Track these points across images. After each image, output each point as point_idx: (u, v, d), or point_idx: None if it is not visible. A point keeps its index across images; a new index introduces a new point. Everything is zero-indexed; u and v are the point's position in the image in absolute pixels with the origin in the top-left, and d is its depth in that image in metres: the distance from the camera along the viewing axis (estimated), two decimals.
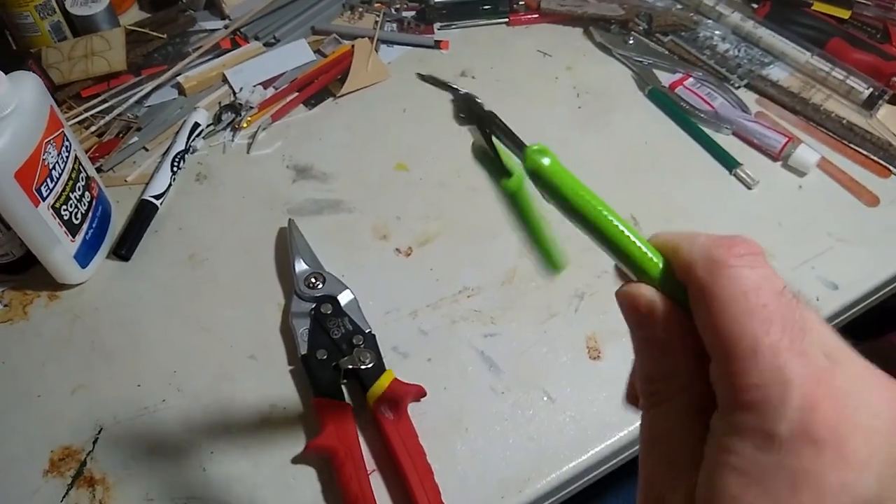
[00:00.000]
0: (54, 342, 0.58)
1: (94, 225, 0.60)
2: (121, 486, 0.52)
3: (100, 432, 0.54)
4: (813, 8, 0.82)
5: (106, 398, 0.56)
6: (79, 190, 0.57)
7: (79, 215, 0.58)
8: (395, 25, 0.81)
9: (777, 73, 0.77)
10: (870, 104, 0.74)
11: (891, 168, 0.71)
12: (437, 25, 0.81)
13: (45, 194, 0.53)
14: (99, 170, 0.66)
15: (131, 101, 0.70)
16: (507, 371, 0.57)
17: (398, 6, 0.81)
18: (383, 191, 0.68)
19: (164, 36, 0.75)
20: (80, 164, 0.58)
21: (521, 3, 0.82)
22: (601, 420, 0.54)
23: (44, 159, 0.52)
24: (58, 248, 0.56)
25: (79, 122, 0.68)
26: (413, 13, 0.81)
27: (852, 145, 0.72)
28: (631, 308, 0.25)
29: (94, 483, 0.52)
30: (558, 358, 0.58)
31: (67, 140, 0.56)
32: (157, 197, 0.64)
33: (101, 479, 0.52)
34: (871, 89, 0.74)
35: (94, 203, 0.60)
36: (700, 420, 0.23)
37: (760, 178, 0.69)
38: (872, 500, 0.20)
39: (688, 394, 0.24)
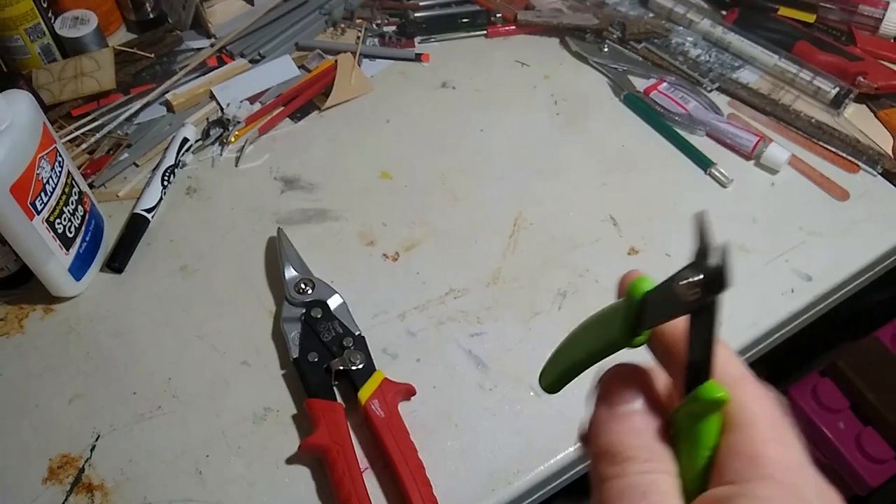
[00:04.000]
0: (50, 354, 0.60)
1: (87, 238, 0.62)
2: (119, 491, 0.53)
3: (97, 439, 0.55)
4: (779, 13, 0.85)
5: (102, 406, 0.57)
6: (72, 204, 0.59)
7: (72, 229, 0.59)
8: (376, 40, 0.83)
9: (747, 76, 0.80)
10: (837, 103, 0.77)
11: (859, 163, 0.73)
12: (417, 39, 0.83)
13: (39, 208, 0.54)
14: (91, 186, 0.68)
15: (121, 118, 0.71)
16: (494, 368, 0.59)
17: (379, 21, 0.84)
18: (369, 199, 0.70)
19: (152, 55, 0.77)
20: (72, 179, 0.59)
21: (498, 15, 0.84)
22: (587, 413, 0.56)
23: (38, 174, 0.54)
24: (52, 261, 0.58)
25: (70, 141, 0.70)
26: (394, 28, 0.84)
27: (821, 143, 0.75)
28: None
29: (93, 489, 0.53)
30: (543, 354, 0.59)
31: (60, 155, 0.57)
32: (149, 210, 0.66)
33: (99, 485, 0.53)
34: (837, 89, 0.77)
35: (87, 217, 0.62)
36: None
37: (734, 177, 0.71)
38: None
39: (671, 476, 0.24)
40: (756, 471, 0.22)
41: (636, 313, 0.24)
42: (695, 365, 0.23)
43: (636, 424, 0.25)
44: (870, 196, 0.71)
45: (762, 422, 0.23)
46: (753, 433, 0.23)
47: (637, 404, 0.25)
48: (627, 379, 0.26)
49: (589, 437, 0.26)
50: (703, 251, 0.22)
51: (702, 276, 0.21)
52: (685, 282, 0.21)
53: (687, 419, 0.24)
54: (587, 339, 0.27)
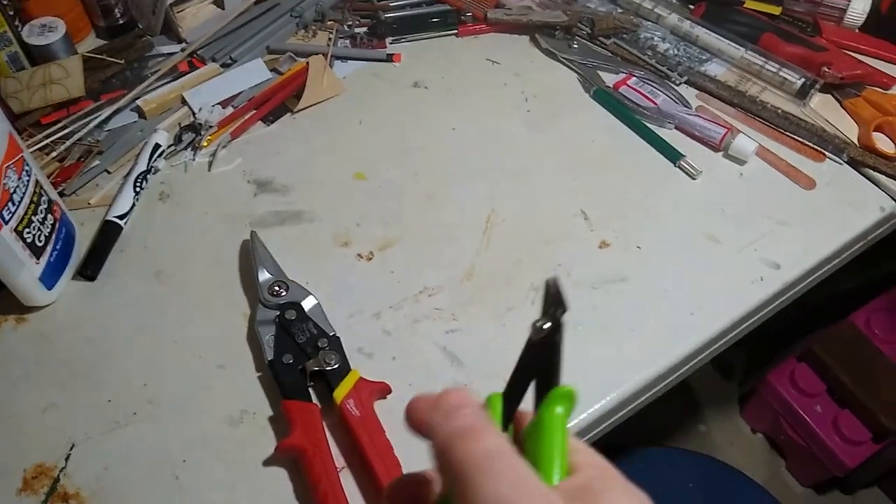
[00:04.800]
0: (23, 363, 0.59)
1: (58, 247, 0.61)
2: (95, 500, 0.53)
3: (72, 448, 0.55)
4: (745, 6, 0.86)
5: (77, 415, 0.57)
6: (41, 213, 0.59)
7: (42, 237, 0.59)
8: (348, 41, 0.83)
9: (714, 68, 0.81)
10: (802, 93, 0.78)
11: (825, 152, 0.74)
12: (388, 40, 0.83)
13: (6, 218, 0.54)
14: (62, 194, 0.67)
15: (91, 125, 0.71)
16: (470, 365, 0.60)
17: (350, 23, 0.84)
18: (343, 199, 0.70)
19: (122, 61, 0.76)
20: (41, 187, 0.59)
21: (468, 14, 0.85)
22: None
23: (4, 184, 0.54)
24: (23, 271, 0.58)
25: (40, 149, 0.70)
26: (365, 29, 0.84)
27: (788, 133, 0.76)
28: None
29: (69, 498, 0.53)
30: (518, 349, 0.60)
31: (28, 164, 0.57)
32: (121, 217, 0.66)
33: (74, 493, 0.53)
34: (803, 80, 0.78)
35: (57, 225, 0.61)
36: None
37: (703, 169, 0.72)
38: None
39: None
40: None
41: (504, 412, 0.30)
42: (543, 383, 0.29)
43: (474, 415, 0.26)
44: (836, 184, 0.72)
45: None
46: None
47: (470, 408, 0.26)
48: (457, 393, 0.27)
49: (430, 445, 0.26)
50: (548, 307, 0.29)
51: (548, 321, 0.28)
52: (538, 324, 0.28)
53: (539, 424, 0.28)
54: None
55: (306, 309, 0.60)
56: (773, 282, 0.66)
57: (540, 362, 0.29)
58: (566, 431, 0.27)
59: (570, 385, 0.28)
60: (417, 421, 0.28)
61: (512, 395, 0.30)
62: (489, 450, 0.24)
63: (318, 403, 0.57)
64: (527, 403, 0.30)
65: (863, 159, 0.74)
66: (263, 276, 0.62)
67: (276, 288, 0.61)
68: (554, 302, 0.29)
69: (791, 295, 0.69)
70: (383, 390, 0.58)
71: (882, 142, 0.75)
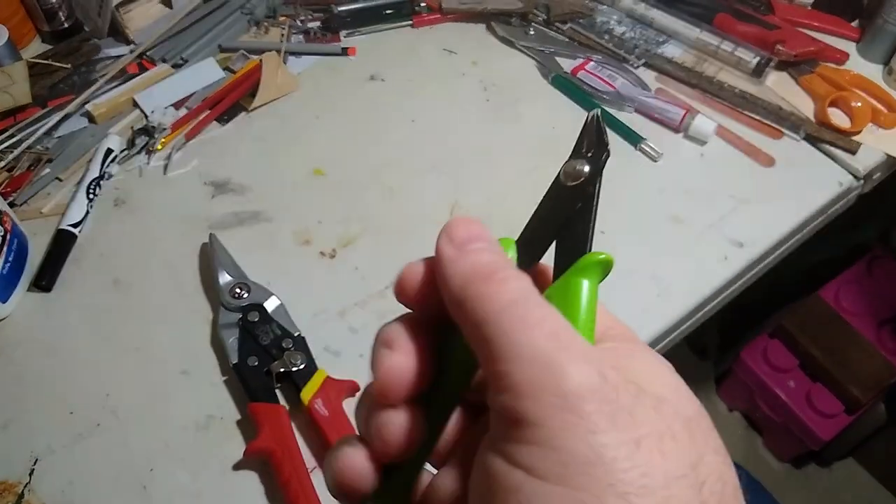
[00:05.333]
0: None
1: (10, 258, 0.60)
2: None
3: (35, 463, 0.54)
4: None
5: (39, 429, 0.56)
6: None
7: None
8: (301, 37, 0.82)
9: (672, 50, 0.81)
10: (758, 72, 0.78)
11: (782, 130, 0.75)
12: (343, 33, 0.82)
13: None
14: (12, 204, 0.66)
15: (39, 132, 0.69)
16: None
17: (303, 18, 0.83)
18: (303, 197, 0.69)
19: (69, 66, 0.74)
20: None
21: (422, 4, 0.84)
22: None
23: None
24: None
25: None
26: (318, 23, 0.83)
27: (746, 112, 0.76)
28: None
29: None
30: None
31: None
32: (75, 225, 0.64)
33: None
34: (758, 58, 0.78)
35: (7, 237, 0.60)
36: None
37: (664, 151, 0.72)
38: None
39: None
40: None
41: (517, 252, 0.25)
42: (571, 244, 0.24)
43: (493, 251, 0.23)
44: (794, 160, 0.73)
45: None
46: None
47: (484, 243, 0.23)
48: (474, 224, 0.23)
49: (440, 279, 0.23)
50: (584, 146, 0.25)
51: (585, 163, 0.24)
52: (573, 165, 0.24)
53: (566, 292, 0.24)
54: None
55: (269, 310, 0.59)
56: (738, 260, 0.66)
57: (567, 216, 0.24)
58: (596, 304, 0.23)
59: (604, 252, 0.23)
60: (415, 280, 0.24)
61: (529, 246, 0.25)
62: (516, 295, 0.21)
63: (285, 405, 0.56)
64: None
65: (819, 135, 0.74)
66: (224, 278, 0.60)
67: (238, 290, 0.60)
68: (594, 141, 0.24)
69: (756, 272, 0.69)
70: (352, 388, 0.57)
71: (837, 117, 0.76)
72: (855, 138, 0.74)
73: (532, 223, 0.25)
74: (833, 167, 0.73)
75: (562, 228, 0.24)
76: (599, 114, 0.25)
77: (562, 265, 0.24)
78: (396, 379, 0.23)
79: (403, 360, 0.23)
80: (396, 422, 0.23)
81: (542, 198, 0.25)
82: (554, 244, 0.25)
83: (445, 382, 0.24)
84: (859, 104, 0.76)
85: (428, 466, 0.25)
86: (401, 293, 0.26)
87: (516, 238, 0.25)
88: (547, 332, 0.20)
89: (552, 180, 0.25)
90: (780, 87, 0.79)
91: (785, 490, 1.22)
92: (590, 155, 0.24)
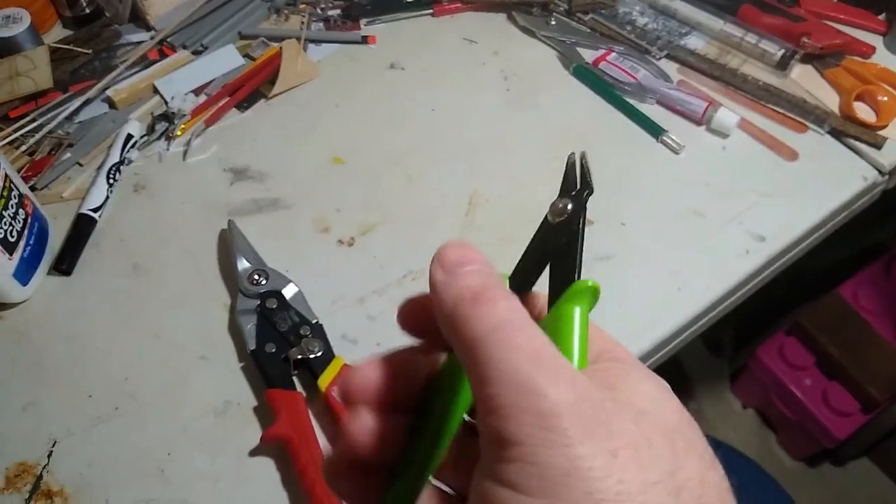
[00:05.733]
0: (0, 362, 0.58)
1: (31, 242, 0.60)
2: (79, 496, 0.52)
3: (54, 445, 0.54)
4: None
5: (58, 412, 0.56)
6: (12, 208, 0.57)
7: (14, 233, 0.58)
8: (321, 24, 0.82)
9: (694, 42, 0.80)
10: (783, 65, 0.77)
11: (806, 123, 0.74)
12: (363, 21, 0.82)
13: None
14: (33, 188, 0.66)
15: (60, 117, 0.70)
16: None
17: (323, 6, 0.82)
18: (322, 185, 0.69)
19: (90, 51, 0.75)
20: (10, 182, 0.58)
21: None
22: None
23: None
24: None
25: (9, 143, 0.68)
26: (338, 11, 0.82)
27: (770, 105, 0.75)
28: None
29: (52, 495, 0.52)
30: None
31: None
32: (95, 210, 0.64)
33: (58, 490, 0.53)
34: (782, 51, 0.77)
35: (29, 220, 0.60)
36: None
37: (686, 143, 0.72)
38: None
39: None
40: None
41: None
42: (561, 275, 0.26)
43: (483, 275, 0.23)
44: (818, 155, 0.72)
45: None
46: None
47: (476, 266, 0.23)
48: (466, 248, 0.24)
49: (433, 304, 0.23)
50: (569, 185, 0.27)
51: (569, 202, 0.26)
52: (558, 204, 0.26)
53: (558, 320, 0.25)
54: None
55: (287, 297, 0.59)
56: (759, 254, 0.65)
57: (556, 249, 0.26)
58: (588, 328, 0.24)
59: (592, 280, 0.25)
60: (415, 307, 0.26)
61: (521, 279, 0.27)
62: (502, 317, 0.21)
63: (302, 392, 0.56)
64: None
65: (844, 129, 0.73)
66: (242, 265, 0.60)
67: (256, 277, 0.60)
68: (579, 180, 0.26)
69: (777, 267, 0.68)
70: None
71: (863, 111, 0.75)
72: (881, 133, 0.73)
73: (524, 259, 0.27)
74: (858, 162, 0.72)
75: (552, 262, 0.26)
76: (583, 154, 0.27)
77: (554, 296, 0.26)
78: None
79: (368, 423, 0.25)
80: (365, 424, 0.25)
81: (531, 237, 0.27)
82: (548, 279, 0.26)
83: (447, 407, 0.25)
84: (885, 98, 0.75)
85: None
86: (403, 323, 0.28)
87: (510, 273, 0.27)
88: (528, 354, 0.21)
89: (540, 223, 0.27)
90: (805, 81, 0.78)
91: (799, 488, 1.21)
92: (573, 193, 0.26)
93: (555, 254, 0.26)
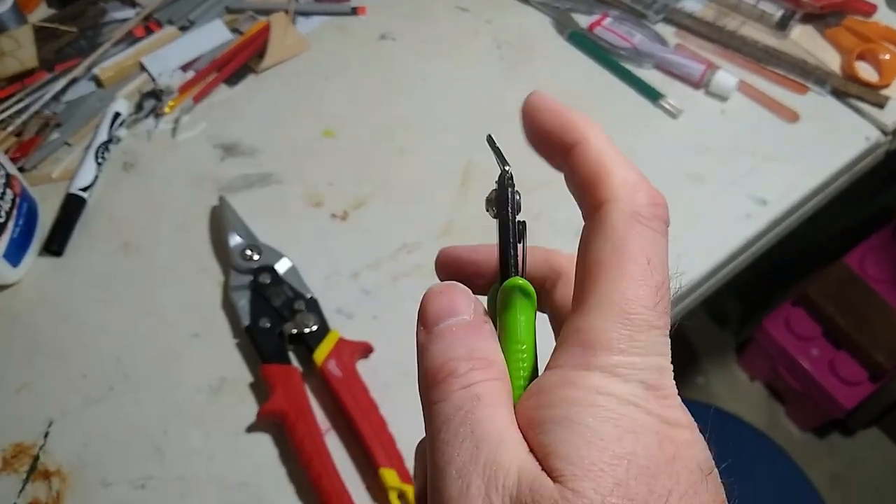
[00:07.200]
0: None
1: (20, 223, 0.59)
2: (77, 475, 0.52)
3: (50, 426, 0.54)
4: None
5: (53, 392, 0.56)
6: None
7: (2, 214, 0.57)
8: None
9: (692, 4, 0.79)
10: (782, 25, 0.75)
11: (807, 84, 0.72)
12: None
13: None
14: (21, 169, 0.65)
15: (47, 97, 0.69)
16: None
17: None
18: (313, 158, 0.68)
19: (75, 29, 0.73)
20: None
21: None
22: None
23: None
24: None
25: None
26: None
27: (769, 67, 0.74)
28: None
29: (50, 475, 0.52)
30: None
31: None
32: (84, 189, 0.64)
33: (56, 470, 0.52)
34: (781, 11, 0.75)
35: (17, 201, 0.59)
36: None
37: (684, 107, 0.70)
38: None
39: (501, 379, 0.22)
40: (588, 356, 0.21)
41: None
42: (505, 266, 0.25)
43: (456, 336, 0.22)
44: (820, 116, 0.70)
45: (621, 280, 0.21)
46: (599, 297, 0.21)
47: (454, 318, 0.23)
48: (444, 296, 0.23)
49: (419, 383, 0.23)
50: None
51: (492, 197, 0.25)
52: (488, 203, 0.25)
53: (499, 315, 0.24)
54: None
55: (281, 272, 0.59)
56: (761, 218, 0.64)
57: (499, 245, 0.25)
58: (527, 330, 0.23)
59: (520, 279, 0.24)
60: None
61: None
62: (448, 412, 0.21)
63: (298, 366, 0.56)
64: None
65: (846, 89, 0.72)
66: (235, 240, 0.60)
67: (249, 252, 0.59)
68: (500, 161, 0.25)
69: (779, 231, 0.67)
70: (365, 349, 0.56)
71: (865, 70, 0.73)
72: (883, 92, 0.71)
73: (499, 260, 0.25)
74: (860, 122, 0.70)
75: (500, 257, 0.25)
76: (489, 137, 0.26)
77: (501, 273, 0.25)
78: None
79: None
80: None
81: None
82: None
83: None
84: (887, 57, 0.73)
85: None
86: (440, 274, 0.29)
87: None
88: (458, 467, 0.20)
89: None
90: (805, 41, 0.76)
91: (808, 459, 1.20)
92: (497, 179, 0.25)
93: (499, 249, 0.25)
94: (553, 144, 0.24)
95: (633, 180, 0.23)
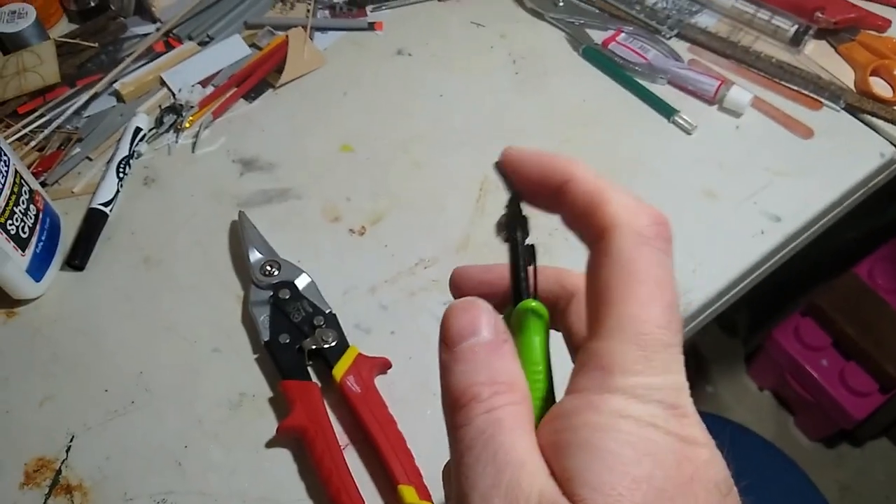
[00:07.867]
0: (16, 358, 0.58)
1: (43, 238, 0.60)
2: (98, 489, 0.53)
3: (72, 440, 0.55)
4: None
5: (74, 406, 0.56)
6: (23, 204, 0.57)
7: (26, 229, 0.58)
8: (327, 12, 0.81)
9: (705, 20, 0.79)
10: (796, 41, 0.76)
11: (821, 100, 0.73)
12: (369, 8, 0.81)
13: None
14: (43, 184, 0.66)
15: (69, 112, 0.69)
16: None
17: None
18: (331, 173, 0.68)
19: (96, 45, 0.74)
20: (21, 178, 0.58)
21: None
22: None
23: None
24: (9, 264, 0.56)
25: (18, 139, 0.68)
26: None
27: (783, 82, 0.74)
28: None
29: (72, 489, 0.53)
30: None
31: (5, 155, 0.55)
32: (106, 204, 0.64)
33: (77, 484, 0.53)
34: (795, 26, 0.76)
35: (40, 216, 0.60)
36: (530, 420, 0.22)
37: (698, 123, 0.71)
38: None
39: (523, 400, 0.22)
40: (606, 380, 0.21)
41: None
42: (518, 289, 0.25)
43: (478, 357, 0.22)
44: (834, 132, 0.71)
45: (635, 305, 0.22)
46: (619, 322, 0.21)
47: (476, 338, 0.23)
48: (466, 313, 0.23)
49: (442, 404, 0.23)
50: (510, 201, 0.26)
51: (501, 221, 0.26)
52: (498, 228, 0.26)
53: (514, 337, 0.24)
54: None
55: (300, 287, 0.59)
56: (775, 234, 0.64)
57: (511, 268, 0.25)
58: (542, 352, 0.24)
59: (533, 301, 0.24)
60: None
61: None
62: (472, 436, 0.21)
63: (317, 382, 0.56)
64: None
65: (860, 105, 0.72)
66: (254, 256, 0.60)
67: (268, 268, 0.59)
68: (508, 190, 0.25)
69: (793, 247, 0.67)
70: (383, 365, 0.57)
71: (879, 86, 0.74)
72: None
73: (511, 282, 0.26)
74: (875, 138, 0.70)
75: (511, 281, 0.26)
76: (496, 164, 0.26)
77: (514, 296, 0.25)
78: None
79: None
80: None
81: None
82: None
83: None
84: None
85: None
86: (453, 293, 0.29)
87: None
88: (481, 492, 0.20)
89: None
90: (819, 56, 0.76)
91: (817, 469, 1.21)
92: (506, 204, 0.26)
93: (512, 272, 0.25)
94: (544, 189, 0.25)
95: (630, 204, 0.23)
